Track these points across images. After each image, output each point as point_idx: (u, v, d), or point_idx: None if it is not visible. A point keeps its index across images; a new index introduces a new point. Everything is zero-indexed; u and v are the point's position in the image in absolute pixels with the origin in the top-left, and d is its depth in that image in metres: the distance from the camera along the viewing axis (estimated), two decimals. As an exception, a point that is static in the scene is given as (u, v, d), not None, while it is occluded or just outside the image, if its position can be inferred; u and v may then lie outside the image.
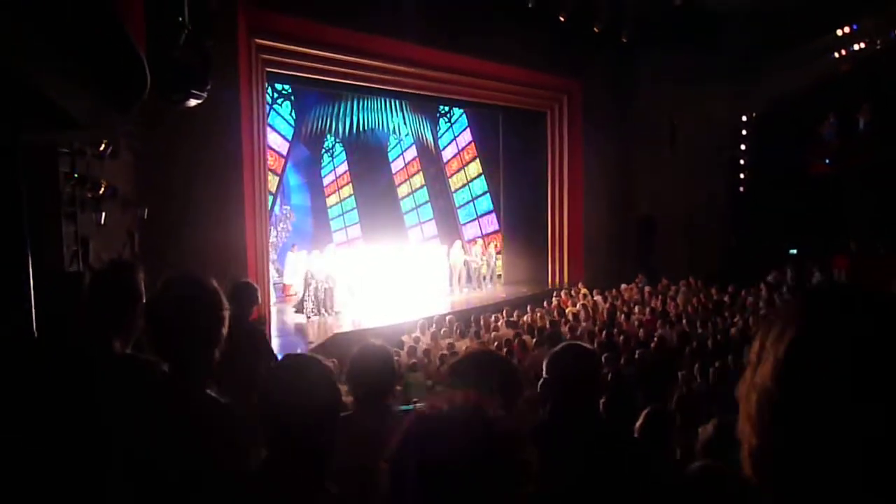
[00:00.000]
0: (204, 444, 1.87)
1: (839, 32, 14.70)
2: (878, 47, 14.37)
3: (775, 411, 0.76)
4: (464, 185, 19.33)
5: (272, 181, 14.75)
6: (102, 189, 6.24)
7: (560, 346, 2.59)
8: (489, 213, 19.20)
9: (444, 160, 19.21)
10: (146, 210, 7.67)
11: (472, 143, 19.10)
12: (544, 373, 2.49)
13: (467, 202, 19.37)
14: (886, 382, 0.70)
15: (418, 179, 19.06)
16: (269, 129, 13.53)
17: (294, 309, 13.09)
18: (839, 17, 14.39)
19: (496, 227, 18.97)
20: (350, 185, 18.18)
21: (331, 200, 18.02)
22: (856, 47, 14.67)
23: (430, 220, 19.09)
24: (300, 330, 12.22)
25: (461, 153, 19.24)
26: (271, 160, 14.50)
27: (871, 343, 0.72)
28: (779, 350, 0.77)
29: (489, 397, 1.17)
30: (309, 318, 12.61)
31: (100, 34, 3.00)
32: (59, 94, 3.18)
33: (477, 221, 19.33)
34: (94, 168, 6.20)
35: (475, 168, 19.20)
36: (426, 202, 19.11)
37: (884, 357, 0.71)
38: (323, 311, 12.84)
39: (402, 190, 19.00)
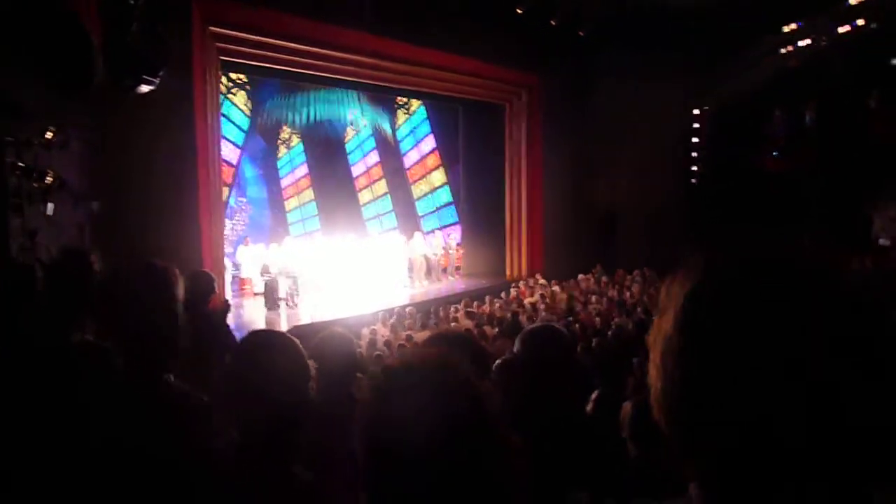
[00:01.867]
0: (167, 432, 1.84)
1: (786, 29, 15.11)
2: (824, 43, 14.81)
3: (676, 356, 0.79)
4: (422, 177, 19.30)
5: (227, 172, 14.49)
6: (50, 180, 6.05)
7: (535, 325, 2.59)
8: (448, 204, 19.22)
9: (403, 152, 19.15)
10: (97, 203, 7.47)
11: (431, 135, 19.07)
12: (515, 349, 2.46)
13: (426, 194, 19.36)
14: (771, 330, 0.73)
15: (377, 171, 18.95)
16: (224, 119, 13.29)
17: (265, 304, 12.91)
18: (786, 14, 14.78)
19: (455, 219, 19.01)
20: (308, 177, 17.97)
21: (288, 193, 17.79)
22: (802, 43, 15.10)
23: (389, 211, 19.02)
24: (258, 323, 12.07)
25: (419, 144, 19.20)
26: (226, 151, 14.24)
27: (758, 291, 0.76)
28: (679, 299, 0.80)
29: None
30: (272, 310, 12.47)
31: (50, 20, 2.91)
32: (6, 81, 3.07)
33: (436, 213, 19.34)
34: (41, 158, 6.01)
35: (434, 160, 19.19)
36: (385, 194, 19.03)
37: (770, 306, 0.74)
38: (286, 303, 12.71)
39: (361, 182, 18.88)
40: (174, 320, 1.99)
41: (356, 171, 18.83)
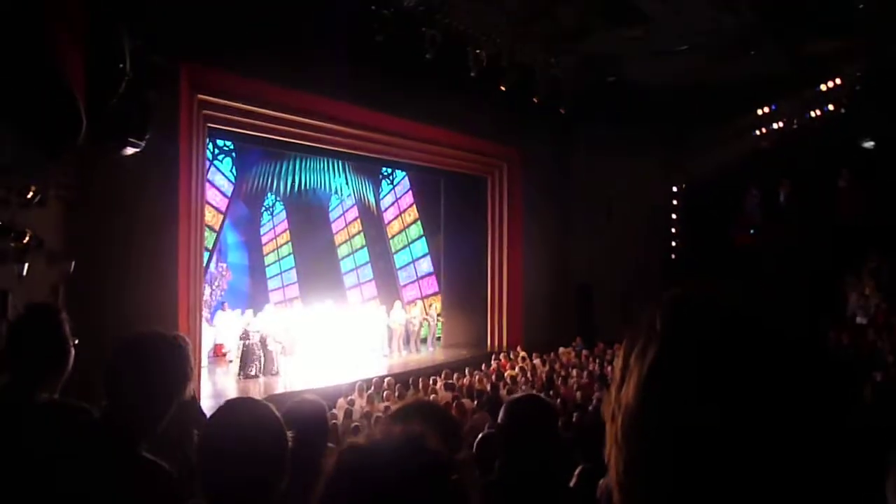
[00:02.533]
0: (130, 499, 1.74)
1: (759, 112, 15.69)
2: (795, 127, 15.36)
3: (641, 433, 0.73)
4: (404, 247, 19.37)
5: (209, 238, 14.45)
6: (27, 239, 5.98)
7: (521, 395, 2.55)
8: (429, 275, 19.23)
9: (386, 221, 19.27)
10: (73, 263, 7.36)
11: (414, 206, 19.26)
12: (500, 419, 2.42)
13: (407, 263, 19.38)
14: (747, 403, 0.68)
15: (359, 240, 19.01)
16: (208, 184, 13.34)
17: (238, 371, 12.64)
18: (759, 97, 15.37)
19: (436, 289, 18.98)
20: (289, 242, 17.97)
21: (269, 259, 17.74)
22: (775, 126, 15.65)
23: (370, 280, 18.97)
24: (232, 391, 11.78)
25: (402, 215, 19.36)
26: (209, 216, 14.25)
27: (730, 355, 0.71)
28: (642, 366, 0.74)
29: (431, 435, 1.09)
30: (249, 377, 12.21)
31: (33, 77, 2.93)
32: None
33: (417, 283, 19.31)
34: (18, 216, 5.95)
35: (416, 230, 19.31)
36: (366, 263, 19.03)
37: (743, 372, 0.69)
38: (261, 372, 12.47)
39: (343, 250, 18.89)
40: (174, 402, 1.94)
41: (339, 239, 18.88)
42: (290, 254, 17.97)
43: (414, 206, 19.26)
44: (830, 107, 14.68)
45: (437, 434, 1.05)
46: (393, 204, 19.38)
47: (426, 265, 19.26)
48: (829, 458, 0.68)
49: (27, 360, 2.23)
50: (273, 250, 17.88)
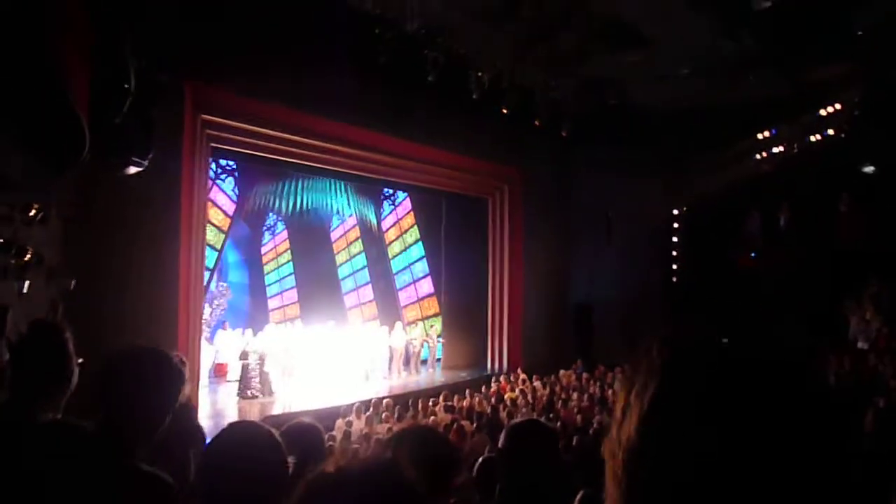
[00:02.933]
0: None
1: (760, 136, 15.76)
2: (795, 151, 15.42)
3: (643, 469, 0.73)
4: (405, 268, 19.36)
5: (210, 257, 14.46)
6: (28, 256, 5.98)
7: (522, 420, 2.55)
8: (430, 295, 19.20)
9: (387, 242, 19.29)
10: (73, 281, 7.35)
11: (415, 226, 19.29)
12: (501, 444, 2.41)
13: (408, 284, 19.36)
14: (747, 433, 0.69)
15: (360, 260, 19.02)
16: (210, 203, 13.38)
17: (237, 392, 12.57)
18: (759, 121, 15.45)
19: (436, 309, 18.95)
20: (290, 262, 17.97)
21: (270, 279, 17.72)
22: (775, 150, 15.71)
23: (371, 301, 18.95)
24: (232, 411, 11.72)
25: (403, 235, 19.38)
26: (211, 235, 14.27)
27: (729, 392, 0.72)
28: (642, 403, 0.75)
29: (411, 467, 1.07)
30: (251, 398, 12.14)
31: (37, 94, 2.95)
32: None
33: (417, 304, 19.28)
34: (21, 234, 5.96)
35: (417, 250, 19.32)
36: (367, 283, 19.01)
37: (743, 408, 0.70)
38: (260, 392, 12.41)
39: (344, 270, 18.89)
40: (166, 414, 1.94)
41: (339, 259, 18.88)
42: (290, 273, 17.97)
43: (415, 226, 19.29)
44: (830, 131, 14.74)
45: (432, 459, 1.04)
46: (394, 225, 19.41)
47: (427, 286, 19.24)
48: (830, 486, 0.69)
49: (30, 378, 2.23)
50: (274, 269, 17.88)
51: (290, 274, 17.94)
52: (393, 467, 1.03)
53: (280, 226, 17.95)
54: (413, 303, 19.30)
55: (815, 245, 15.10)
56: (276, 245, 17.93)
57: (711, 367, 0.74)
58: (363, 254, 19.03)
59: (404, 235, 19.37)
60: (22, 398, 2.19)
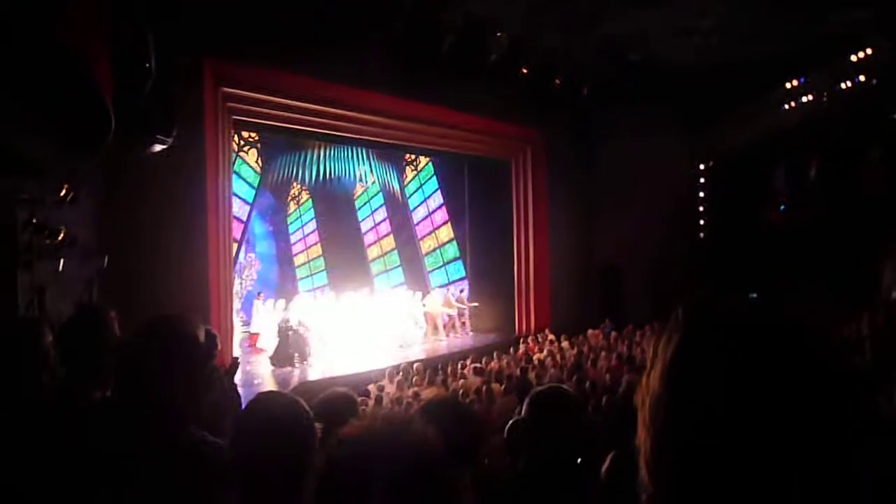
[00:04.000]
0: (196, 487, 1.80)
1: (788, 85, 15.34)
2: (825, 100, 15.00)
3: (665, 414, 0.79)
4: (430, 233, 19.41)
5: (237, 229, 14.63)
6: (61, 237, 6.13)
7: (544, 387, 2.57)
8: (455, 259, 19.27)
9: (411, 208, 19.32)
10: (106, 258, 7.52)
11: (439, 191, 19.27)
12: (523, 413, 2.44)
13: (433, 249, 19.43)
14: (759, 384, 0.75)
15: (385, 227, 19.10)
16: (234, 176, 13.49)
17: (270, 360, 12.82)
18: (787, 71, 15.03)
19: (462, 273, 19.03)
20: (316, 233, 18.12)
21: (297, 248, 17.91)
22: (804, 99, 15.30)
23: (397, 267, 19.07)
24: (267, 379, 11.97)
25: (427, 201, 19.38)
26: (237, 208, 14.42)
27: (744, 348, 0.77)
28: (666, 355, 0.82)
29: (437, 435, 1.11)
30: (286, 367, 12.38)
31: (63, 79, 3.00)
32: (20, 139, 3.14)
33: (444, 268, 19.37)
34: (53, 215, 6.10)
35: (441, 215, 19.33)
36: (392, 249, 19.13)
37: (755, 360, 0.76)
38: (299, 360, 12.64)
39: (369, 237, 19.01)
40: (201, 381, 2.00)
41: (364, 226, 18.99)
42: (316, 242, 18.13)
43: (439, 191, 19.28)
44: (861, 78, 14.31)
45: (458, 431, 1.08)
46: (418, 190, 19.41)
47: (452, 250, 19.30)
48: (830, 439, 0.74)
49: (79, 359, 2.32)
50: (300, 239, 18.05)
51: (317, 243, 18.10)
52: (412, 426, 1.07)
53: (304, 195, 18.05)
54: (439, 267, 19.40)
55: (846, 196, 14.79)
56: (301, 215, 18.07)
57: (728, 325, 0.80)
58: (388, 220, 19.10)
59: (428, 201, 19.37)
60: (75, 378, 2.28)
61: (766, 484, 0.73)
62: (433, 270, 19.33)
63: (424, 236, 19.38)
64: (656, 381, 0.81)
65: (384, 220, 19.11)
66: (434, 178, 19.29)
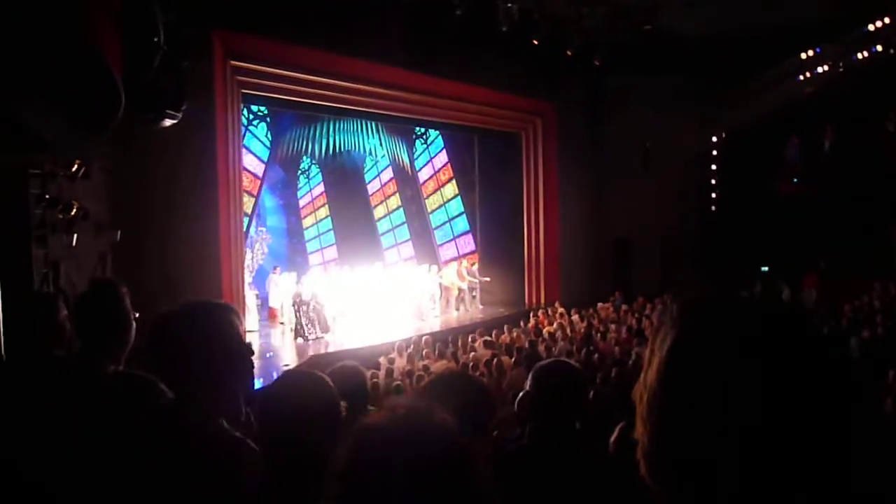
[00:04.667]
0: (215, 476, 1.75)
1: (803, 56, 15.10)
2: (841, 70, 14.77)
3: (660, 412, 0.80)
4: (440, 206, 19.37)
5: (248, 203, 14.65)
6: (74, 211, 6.18)
7: (548, 362, 2.58)
8: (465, 233, 19.25)
9: (421, 181, 19.27)
10: (119, 232, 7.58)
11: (448, 164, 19.20)
12: (528, 387, 2.47)
13: (444, 223, 19.41)
14: (755, 381, 0.74)
15: (395, 201, 19.07)
16: (244, 150, 13.49)
17: (293, 334, 12.91)
18: (803, 41, 14.78)
19: (472, 247, 19.02)
20: (326, 206, 18.13)
21: (307, 222, 17.95)
22: (819, 70, 15.07)
23: (407, 240, 19.09)
24: (287, 352, 12.08)
25: (437, 174, 19.31)
26: (247, 181, 14.43)
27: (738, 343, 0.77)
28: (662, 352, 0.82)
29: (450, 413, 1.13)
30: (308, 339, 12.48)
31: (73, 56, 3.00)
32: (32, 117, 3.16)
33: (454, 242, 19.37)
34: (65, 190, 6.14)
35: (451, 189, 19.28)
36: (402, 223, 19.12)
37: (749, 356, 0.76)
38: (317, 332, 12.73)
39: (379, 211, 19.00)
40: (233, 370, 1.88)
41: (374, 200, 18.97)
42: (327, 216, 18.15)
43: (449, 165, 19.20)
44: (879, 48, 14.06)
45: (468, 404, 1.10)
46: (427, 163, 19.34)
47: (462, 224, 19.28)
48: (829, 440, 0.74)
49: (94, 333, 2.36)
50: (311, 213, 18.07)
51: (327, 217, 18.13)
52: (434, 416, 1.09)
53: (314, 169, 18.04)
54: (449, 241, 19.40)
55: (861, 168, 14.64)
56: (311, 188, 18.08)
57: (723, 322, 0.80)
58: (398, 194, 19.07)
59: (438, 174, 19.31)
60: (90, 351, 2.32)
61: (762, 481, 0.74)
62: (443, 244, 19.32)
63: (434, 209, 19.35)
64: (653, 377, 0.82)
65: (394, 193, 19.09)
66: (444, 150, 19.20)
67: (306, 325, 12.62)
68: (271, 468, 1.68)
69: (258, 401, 1.77)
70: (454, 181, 19.16)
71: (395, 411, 1.10)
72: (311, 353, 11.45)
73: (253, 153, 16.19)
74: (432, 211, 19.32)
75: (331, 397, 1.74)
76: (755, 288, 14.82)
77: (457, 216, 19.29)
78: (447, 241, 19.36)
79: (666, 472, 0.80)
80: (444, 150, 19.15)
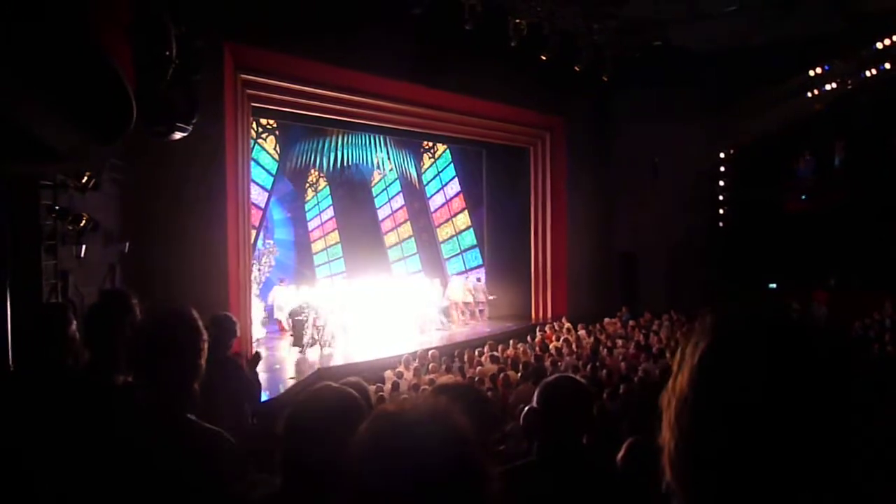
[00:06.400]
0: (195, 469, 1.86)
1: (812, 73, 15.12)
2: (850, 87, 14.77)
3: (692, 415, 0.82)
4: (447, 220, 19.40)
5: (255, 215, 14.71)
6: (84, 222, 6.21)
7: (554, 378, 2.57)
8: (472, 247, 19.26)
9: (428, 195, 19.32)
10: (128, 244, 7.62)
11: (456, 179, 19.25)
12: (534, 403, 2.46)
13: (451, 237, 19.43)
14: (787, 389, 0.77)
15: (402, 214, 19.12)
16: (253, 162, 13.55)
17: (292, 344, 12.93)
18: (812, 58, 14.81)
19: (479, 261, 19.02)
20: (333, 219, 18.18)
21: (314, 235, 17.99)
22: (828, 87, 15.07)
23: (414, 254, 19.11)
24: (289, 365, 12.06)
25: (444, 188, 19.36)
26: (255, 194, 14.49)
27: (767, 352, 0.81)
28: (694, 358, 0.85)
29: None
30: (305, 351, 12.48)
31: (85, 68, 3.03)
32: (43, 128, 3.18)
33: (461, 256, 19.37)
34: (75, 201, 6.18)
35: (458, 203, 19.32)
36: (410, 237, 19.15)
37: (781, 364, 0.79)
38: (319, 344, 12.73)
39: (387, 224, 19.04)
40: (196, 367, 2.04)
41: (382, 213, 19.01)
42: (334, 229, 18.19)
43: (456, 178, 19.25)
44: (887, 65, 14.06)
45: (471, 416, 1.11)
46: (435, 177, 19.39)
47: (469, 238, 19.29)
48: (846, 443, 0.77)
49: (103, 344, 2.36)
50: (318, 226, 18.12)
51: (334, 230, 18.17)
52: (444, 409, 1.09)
53: (322, 182, 18.11)
54: (456, 255, 19.41)
55: (870, 184, 14.58)
56: (319, 201, 18.13)
57: (757, 332, 0.83)
58: (405, 208, 19.11)
59: (445, 188, 19.35)
60: (100, 362, 2.33)
61: (787, 482, 0.76)
62: (450, 258, 19.33)
63: (442, 224, 19.38)
64: (684, 383, 0.84)
65: (401, 207, 19.13)
66: (452, 165, 19.26)
67: (305, 337, 12.62)
68: (287, 475, 1.72)
69: (287, 417, 1.79)
70: (461, 195, 19.21)
71: (412, 402, 1.11)
72: (318, 365, 11.44)
73: (261, 166, 16.27)
74: (439, 225, 19.35)
75: (358, 417, 1.76)
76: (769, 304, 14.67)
77: (464, 230, 19.31)
78: (454, 255, 19.37)
79: (694, 476, 0.82)
80: (452, 164, 19.21)
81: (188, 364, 2.03)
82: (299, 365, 11.78)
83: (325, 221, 18.15)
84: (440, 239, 19.38)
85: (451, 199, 19.36)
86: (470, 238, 19.28)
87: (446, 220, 19.40)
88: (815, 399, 0.77)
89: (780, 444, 0.76)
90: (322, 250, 18.06)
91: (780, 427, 0.76)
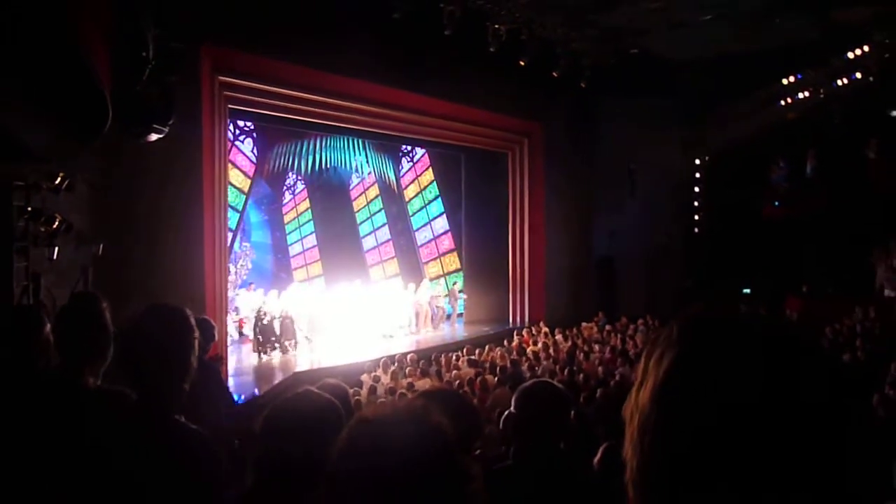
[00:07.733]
0: (182, 469, 1.85)
1: (785, 81, 15.40)
2: (822, 96, 15.06)
3: (654, 435, 0.76)
4: (425, 224, 19.41)
5: (232, 218, 14.59)
6: (56, 224, 6.12)
7: (532, 383, 2.59)
8: (451, 251, 19.28)
9: (406, 199, 19.31)
10: (101, 246, 7.51)
11: (434, 183, 19.26)
12: (512, 408, 2.48)
13: (429, 241, 19.43)
14: (756, 406, 0.71)
15: (380, 218, 19.08)
16: (230, 165, 13.45)
17: (253, 349, 12.85)
18: (785, 67, 15.08)
19: (458, 265, 19.04)
20: (311, 221, 18.09)
21: (291, 238, 17.88)
22: (801, 96, 15.36)
23: (392, 257, 19.08)
24: (257, 369, 11.99)
25: (423, 192, 19.37)
26: (232, 197, 14.37)
27: (739, 365, 0.74)
28: (658, 372, 0.78)
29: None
30: (265, 354, 12.40)
31: (62, 69, 2.99)
32: (17, 125, 3.14)
33: (439, 260, 19.38)
34: (49, 202, 6.08)
35: (437, 207, 19.33)
36: (388, 240, 19.11)
37: (750, 379, 0.73)
38: (278, 347, 12.66)
39: (364, 228, 18.99)
40: (188, 367, 2.04)
41: (360, 217, 18.96)
42: (312, 232, 18.10)
43: (434, 182, 19.27)
44: (858, 75, 14.36)
45: (453, 419, 1.12)
46: (413, 181, 19.40)
47: (447, 242, 19.31)
48: (828, 462, 0.72)
49: (74, 346, 2.34)
50: (296, 229, 18.01)
51: (312, 233, 18.08)
52: (424, 411, 1.10)
53: (300, 185, 18.01)
54: (434, 259, 19.41)
55: (842, 192, 14.87)
56: (296, 204, 18.03)
57: (726, 344, 0.77)
58: (383, 211, 19.08)
59: (423, 192, 19.36)
60: (70, 365, 2.30)
61: (760, 500, 0.71)
62: (428, 262, 19.32)
63: (420, 227, 19.37)
64: (646, 397, 0.78)
65: (379, 210, 19.10)
66: (430, 169, 19.27)
67: (264, 342, 12.55)
68: (258, 472, 1.72)
69: (268, 411, 1.79)
70: (440, 199, 19.23)
71: (392, 405, 1.11)
72: (286, 371, 11.38)
73: (239, 168, 16.15)
74: (418, 229, 19.35)
75: (337, 424, 1.76)
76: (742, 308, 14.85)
77: (442, 234, 19.33)
78: (432, 259, 19.38)
79: (657, 493, 0.76)
80: (431, 168, 19.23)
81: (182, 362, 2.03)
82: (262, 370, 11.73)
83: (303, 224, 18.07)
84: (418, 242, 19.35)
85: (430, 202, 19.37)
86: (448, 242, 19.30)
87: (425, 224, 19.42)
88: (792, 412, 0.71)
89: (751, 467, 0.70)
90: (299, 253, 17.97)
91: (751, 450, 0.70)
